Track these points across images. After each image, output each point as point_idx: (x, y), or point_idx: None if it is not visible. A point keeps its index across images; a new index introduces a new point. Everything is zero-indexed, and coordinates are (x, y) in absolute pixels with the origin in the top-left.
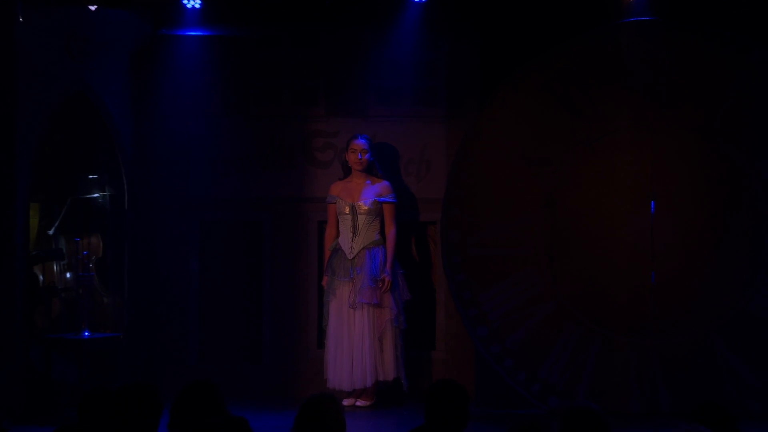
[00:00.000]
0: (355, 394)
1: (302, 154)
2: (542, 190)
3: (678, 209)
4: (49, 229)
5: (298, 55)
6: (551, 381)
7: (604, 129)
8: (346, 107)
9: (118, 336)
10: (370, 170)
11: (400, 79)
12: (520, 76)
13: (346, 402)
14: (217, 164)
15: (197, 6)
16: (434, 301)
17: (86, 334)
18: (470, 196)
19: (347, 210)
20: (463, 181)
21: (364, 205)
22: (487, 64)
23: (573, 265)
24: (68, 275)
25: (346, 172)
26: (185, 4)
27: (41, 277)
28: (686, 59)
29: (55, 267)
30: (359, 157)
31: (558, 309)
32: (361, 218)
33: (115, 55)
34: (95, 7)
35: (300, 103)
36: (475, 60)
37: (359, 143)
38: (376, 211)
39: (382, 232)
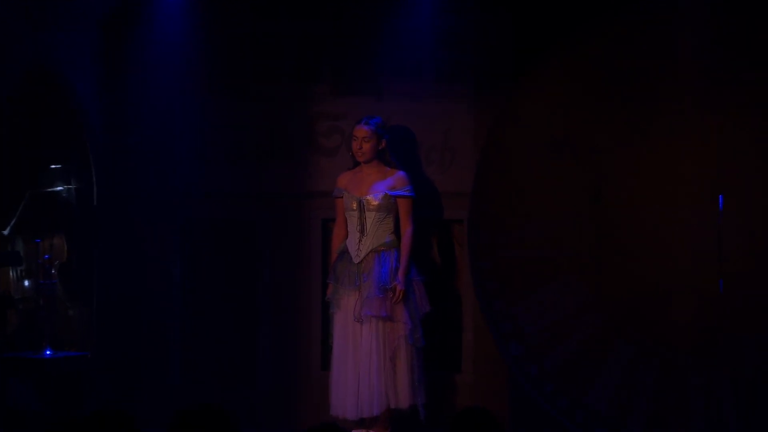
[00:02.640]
0: (366, 424)
1: (304, 140)
2: (588, 182)
3: (751, 204)
4: (4, 229)
5: (300, 23)
6: (599, 409)
7: (661, 110)
8: (356, 85)
9: (85, 355)
10: (382, 159)
11: (419, 52)
12: (563, 49)
13: None
14: (204, 152)
15: None
16: (460, 313)
17: (48, 352)
18: (503, 190)
19: (354, 205)
20: (494, 171)
21: (373, 200)
22: (522, 34)
23: (624, 271)
24: (27, 283)
25: (355, 161)
26: None
27: None
28: (762, 27)
29: (11, 273)
30: (359, 146)
31: (607, 323)
32: (369, 215)
33: (82, 22)
34: None
35: (302, 81)
36: (508, 28)
37: (361, 129)
38: (388, 207)
39: (397, 232)
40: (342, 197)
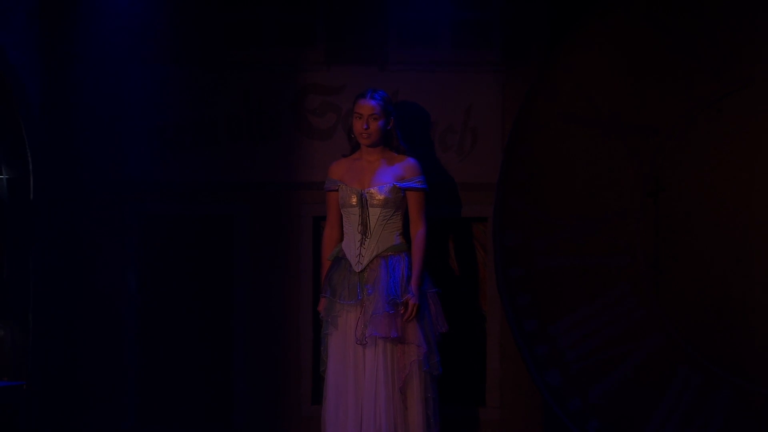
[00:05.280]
0: None
1: (291, 118)
2: (643, 171)
3: None
4: None
5: None
6: None
7: (736, 82)
8: (356, 51)
9: (19, 385)
10: (388, 143)
11: (434, 10)
12: (612, 6)
13: None
14: (167, 133)
15: None
16: (483, 334)
17: None
18: (537, 182)
19: (354, 200)
20: (526, 159)
21: (378, 193)
22: None
23: (688, 282)
24: None
25: (354, 146)
26: None
27: None
28: None
29: None
30: (365, 126)
31: (666, 345)
32: (373, 212)
33: None
34: None
35: (289, 45)
36: None
37: (366, 104)
38: (396, 202)
39: (405, 233)
40: (337, 190)
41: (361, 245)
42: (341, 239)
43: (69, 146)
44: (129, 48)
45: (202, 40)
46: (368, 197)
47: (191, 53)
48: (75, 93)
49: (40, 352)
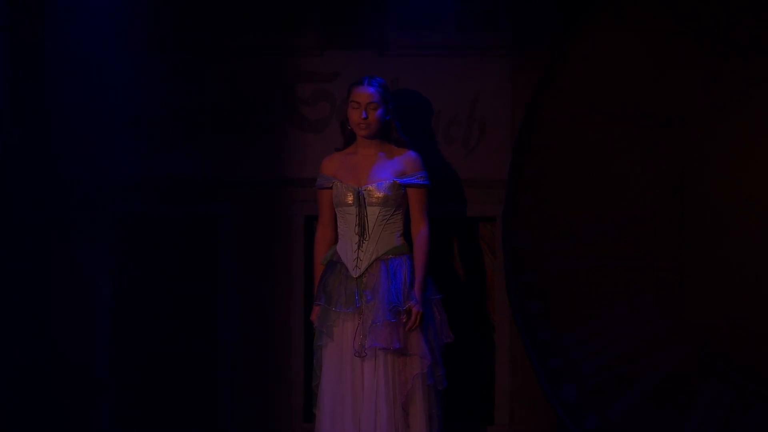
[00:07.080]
0: None
1: (282, 109)
2: (666, 167)
3: None
4: None
5: None
6: None
7: None
8: (352, 35)
9: None
10: (387, 135)
11: None
12: None
13: None
14: (146, 126)
15: None
16: (492, 344)
17: None
18: (550, 178)
19: (350, 199)
20: (538, 154)
21: (376, 191)
22: None
23: (716, 288)
24: None
25: (349, 138)
26: None
27: None
28: None
29: None
30: (363, 115)
31: (692, 357)
32: (372, 211)
33: None
34: None
35: (279, 29)
36: None
37: (364, 91)
38: (397, 200)
39: (406, 234)
40: (331, 188)
41: (358, 248)
42: (335, 241)
43: (38, 139)
44: (105, 33)
45: (187, 24)
46: (366, 195)
47: (173, 38)
48: (46, 83)
49: (4, 366)
